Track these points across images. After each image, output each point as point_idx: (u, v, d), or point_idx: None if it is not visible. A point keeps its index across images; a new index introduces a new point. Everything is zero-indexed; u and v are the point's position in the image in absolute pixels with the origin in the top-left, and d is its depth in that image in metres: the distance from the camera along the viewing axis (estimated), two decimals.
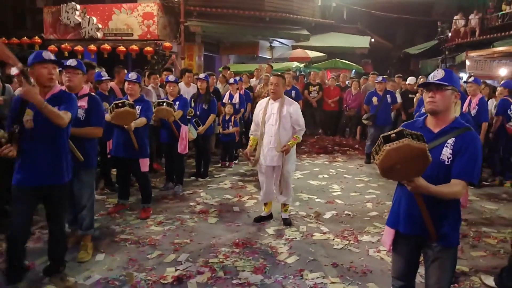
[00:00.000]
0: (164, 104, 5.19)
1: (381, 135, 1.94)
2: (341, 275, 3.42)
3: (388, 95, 7.82)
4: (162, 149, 6.44)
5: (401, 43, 22.19)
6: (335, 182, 6.44)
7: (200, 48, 14.16)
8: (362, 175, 6.92)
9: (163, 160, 6.73)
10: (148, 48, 12.24)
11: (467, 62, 12.53)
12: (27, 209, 2.98)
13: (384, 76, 8.49)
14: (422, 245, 2.28)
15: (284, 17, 14.42)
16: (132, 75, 4.69)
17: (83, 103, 3.55)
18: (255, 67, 11.49)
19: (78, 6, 13.12)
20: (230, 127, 7.30)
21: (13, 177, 2.95)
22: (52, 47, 12.60)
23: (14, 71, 5.02)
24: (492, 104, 6.76)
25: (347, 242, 4.10)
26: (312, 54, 14.36)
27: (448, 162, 2.13)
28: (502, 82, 7.22)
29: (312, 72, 10.95)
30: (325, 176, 6.87)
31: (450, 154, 2.13)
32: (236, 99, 7.66)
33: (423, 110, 2.95)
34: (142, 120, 4.50)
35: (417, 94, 8.25)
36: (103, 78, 5.45)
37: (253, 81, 9.75)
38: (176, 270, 3.44)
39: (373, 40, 18.05)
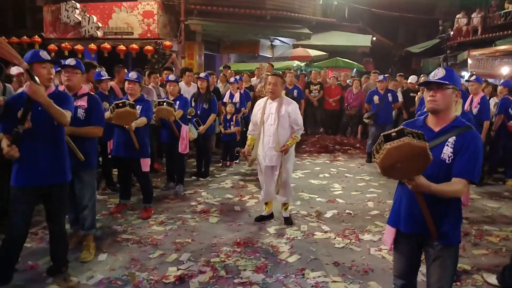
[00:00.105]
0: (165, 103, 5.18)
1: (381, 134, 1.94)
2: (342, 274, 3.42)
3: (389, 94, 7.80)
4: (163, 149, 6.44)
5: (402, 41, 22.18)
6: (336, 181, 6.44)
7: (201, 47, 14.11)
8: (363, 174, 6.91)
9: (164, 160, 6.73)
10: (148, 47, 12.19)
11: (469, 61, 12.49)
12: (27, 209, 2.97)
13: (386, 75, 8.47)
14: (423, 243, 2.28)
15: (285, 16, 14.35)
16: (133, 75, 4.67)
17: (82, 102, 3.54)
18: (256, 66, 11.49)
19: (78, 5, 13.06)
20: (232, 127, 7.30)
21: (12, 177, 2.93)
22: (52, 46, 12.58)
23: (14, 71, 5.03)
24: (493, 102, 6.78)
25: (348, 241, 4.11)
26: (313, 52, 14.33)
27: (448, 161, 2.13)
28: (502, 81, 7.23)
29: (313, 71, 10.89)
30: (326, 175, 6.86)
31: (451, 153, 2.13)
32: (236, 98, 7.65)
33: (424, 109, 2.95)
34: (142, 120, 4.49)
35: (418, 93, 8.23)
36: (103, 78, 5.42)
37: (254, 80, 9.73)
38: (178, 269, 3.45)
39: (374, 38, 18.05)
